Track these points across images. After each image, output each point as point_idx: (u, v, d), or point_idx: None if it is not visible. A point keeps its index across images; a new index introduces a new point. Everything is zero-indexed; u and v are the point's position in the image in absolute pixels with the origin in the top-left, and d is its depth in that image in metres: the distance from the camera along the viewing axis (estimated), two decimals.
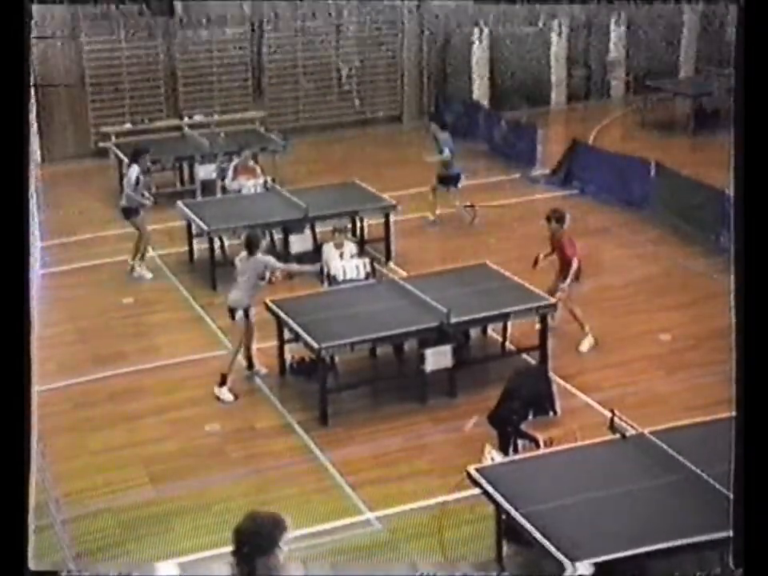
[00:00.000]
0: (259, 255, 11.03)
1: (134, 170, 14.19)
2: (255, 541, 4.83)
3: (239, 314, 10.91)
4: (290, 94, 22.62)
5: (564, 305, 11.51)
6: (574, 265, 11.40)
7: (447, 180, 16.15)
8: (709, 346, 11.30)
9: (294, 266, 12.13)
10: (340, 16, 22.63)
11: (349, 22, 22.74)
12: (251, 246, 11.02)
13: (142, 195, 14.30)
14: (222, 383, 10.85)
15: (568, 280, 11.39)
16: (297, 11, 22.12)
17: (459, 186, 16.23)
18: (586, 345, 11.63)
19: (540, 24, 24.15)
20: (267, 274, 11.18)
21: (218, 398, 10.79)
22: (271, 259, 11.32)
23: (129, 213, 14.38)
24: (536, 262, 11.83)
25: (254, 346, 11.26)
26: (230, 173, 15.73)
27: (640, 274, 12.62)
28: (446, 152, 15.91)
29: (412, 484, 9.15)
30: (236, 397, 10.84)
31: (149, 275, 14.29)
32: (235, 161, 15.93)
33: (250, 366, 11.29)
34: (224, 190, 16.13)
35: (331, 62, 22.84)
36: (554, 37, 24.12)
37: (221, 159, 17.08)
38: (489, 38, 23.54)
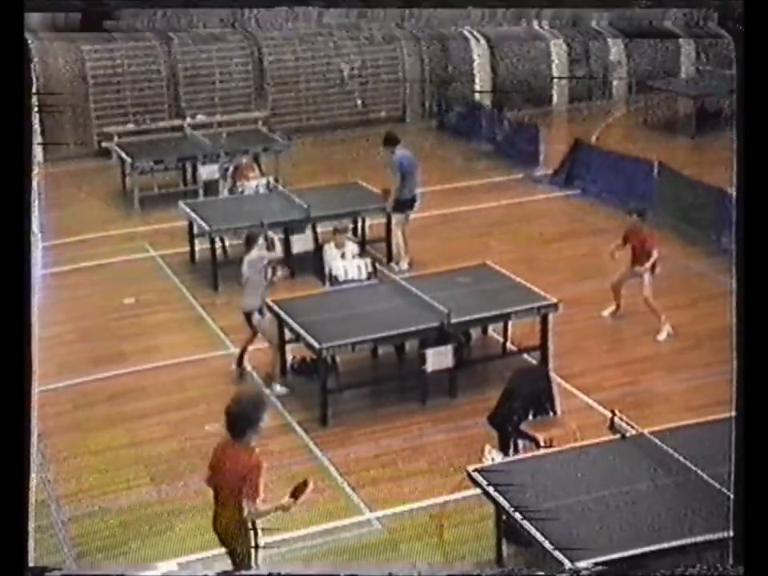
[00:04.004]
0: (253, 252, 11.05)
1: None
2: (244, 419, 6.70)
3: (255, 316, 10.91)
4: (291, 95, 22.61)
5: (643, 293, 12.00)
6: (655, 254, 11.98)
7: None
8: (709, 347, 11.29)
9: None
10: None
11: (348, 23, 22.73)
12: (248, 243, 11.11)
13: None
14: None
15: (648, 264, 11.93)
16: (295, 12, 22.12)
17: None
18: (663, 334, 11.89)
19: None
20: (269, 274, 11.17)
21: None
22: (264, 252, 11.23)
23: None
24: (613, 254, 12.36)
25: (250, 347, 11.31)
26: (228, 180, 15.84)
27: None
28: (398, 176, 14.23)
29: (412, 484, 9.14)
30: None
31: None
32: (230, 169, 16.03)
33: (240, 363, 11.32)
34: (231, 191, 16.09)
35: (332, 62, 22.82)
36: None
37: (223, 159, 17.11)
38: (487, 38, 23.49)
